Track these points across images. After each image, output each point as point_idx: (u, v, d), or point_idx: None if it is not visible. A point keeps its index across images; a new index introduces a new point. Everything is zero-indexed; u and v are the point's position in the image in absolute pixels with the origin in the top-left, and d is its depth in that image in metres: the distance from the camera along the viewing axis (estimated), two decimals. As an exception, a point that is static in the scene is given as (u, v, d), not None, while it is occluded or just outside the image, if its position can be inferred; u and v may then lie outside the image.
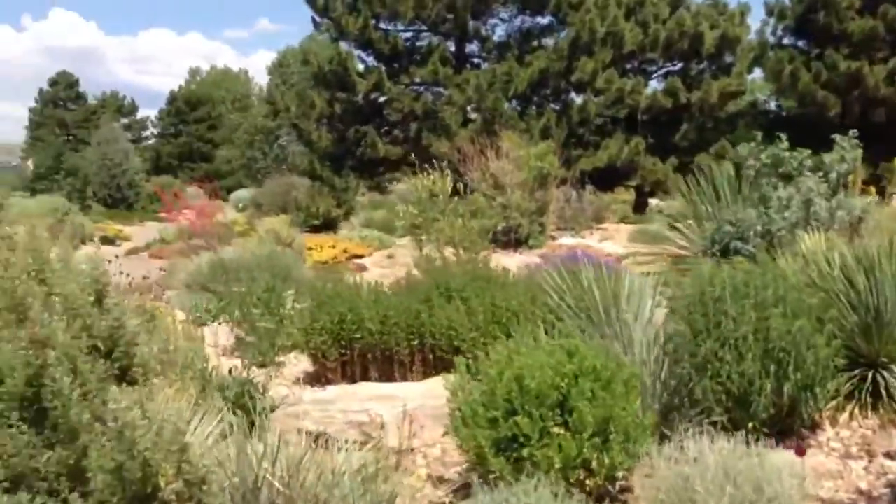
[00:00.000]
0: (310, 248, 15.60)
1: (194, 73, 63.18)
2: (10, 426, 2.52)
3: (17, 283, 2.85)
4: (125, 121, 54.33)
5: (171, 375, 3.65)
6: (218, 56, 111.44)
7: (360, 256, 15.70)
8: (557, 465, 3.36)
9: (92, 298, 3.11)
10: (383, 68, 23.29)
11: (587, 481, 3.42)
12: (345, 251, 15.89)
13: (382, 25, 24.75)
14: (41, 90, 54.04)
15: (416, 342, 5.32)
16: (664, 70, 27.67)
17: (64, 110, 53.26)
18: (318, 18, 25.17)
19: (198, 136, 53.62)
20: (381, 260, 15.31)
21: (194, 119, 53.90)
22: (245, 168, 51.83)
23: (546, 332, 4.25)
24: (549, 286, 4.99)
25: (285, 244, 14.90)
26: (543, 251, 14.68)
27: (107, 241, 19.96)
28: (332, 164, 24.10)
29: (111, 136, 37.30)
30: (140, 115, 58.08)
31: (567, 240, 16.12)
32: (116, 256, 10.76)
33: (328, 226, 22.34)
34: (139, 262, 14.57)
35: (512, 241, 15.13)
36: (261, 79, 65.90)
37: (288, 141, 54.07)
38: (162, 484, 2.52)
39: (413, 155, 20.74)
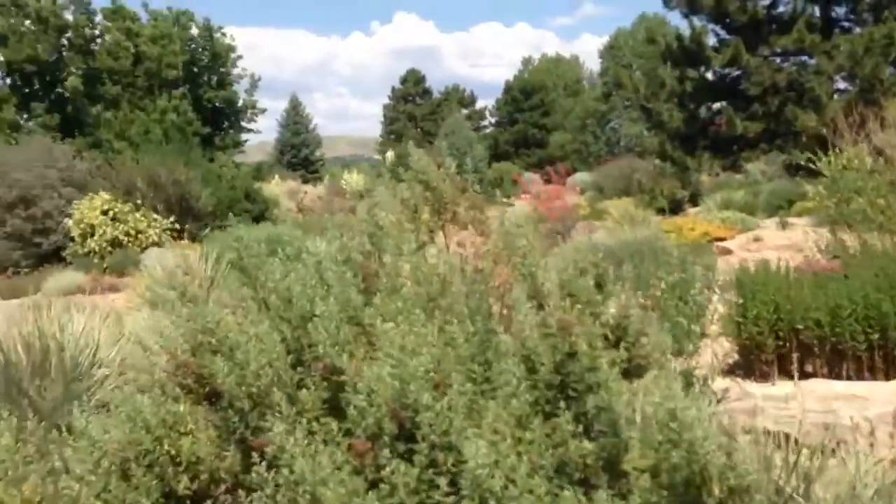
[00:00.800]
0: (668, 231, 15.09)
1: (527, 62, 65.02)
2: (552, 415, 2.45)
3: (536, 270, 2.81)
4: (465, 112, 57.46)
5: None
6: (544, 44, 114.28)
7: (723, 239, 14.90)
8: None
9: (592, 283, 2.99)
10: (740, 40, 21.79)
11: None
12: (705, 233, 15.19)
13: (738, -5, 23.16)
14: (393, 88, 59.12)
15: (876, 336, 4.67)
16: None
17: (413, 105, 57.72)
18: (667, -5, 24.24)
19: (532, 123, 55.20)
20: (747, 243, 14.40)
21: (528, 107, 55.54)
22: (577, 152, 52.37)
23: None
24: None
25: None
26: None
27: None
28: (682, 145, 23.14)
29: (456, 126, 39.60)
30: (477, 106, 61.21)
31: (975, 221, 13.83)
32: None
33: (673, 209, 21.64)
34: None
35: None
36: (588, 63, 66.19)
37: (620, 123, 53.73)
38: (716, 491, 2.29)
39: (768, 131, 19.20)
